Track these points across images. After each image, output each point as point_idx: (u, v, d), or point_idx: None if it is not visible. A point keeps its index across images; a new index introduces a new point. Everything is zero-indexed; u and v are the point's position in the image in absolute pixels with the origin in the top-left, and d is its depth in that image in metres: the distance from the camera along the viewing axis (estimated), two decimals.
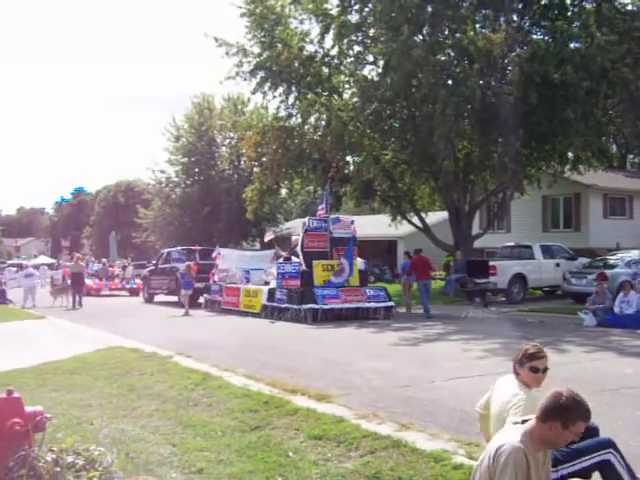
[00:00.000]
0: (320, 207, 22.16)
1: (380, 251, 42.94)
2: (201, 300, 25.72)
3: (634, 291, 17.54)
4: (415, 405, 7.99)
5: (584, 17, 23.29)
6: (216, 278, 24.98)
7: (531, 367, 4.77)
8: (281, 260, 21.94)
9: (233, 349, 13.47)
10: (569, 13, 24.11)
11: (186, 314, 22.39)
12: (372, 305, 19.94)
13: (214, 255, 25.96)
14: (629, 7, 24.00)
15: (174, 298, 27.15)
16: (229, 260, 25.52)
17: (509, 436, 3.97)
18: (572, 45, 23.50)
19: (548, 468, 4.17)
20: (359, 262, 21.61)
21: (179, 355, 12.19)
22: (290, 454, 6.13)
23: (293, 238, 23.78)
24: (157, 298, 29.86)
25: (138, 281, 35.52)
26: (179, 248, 30.92)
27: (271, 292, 20.85)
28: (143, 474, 5.71)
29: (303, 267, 20.41)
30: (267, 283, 22.20)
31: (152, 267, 31.28)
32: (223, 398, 8.45)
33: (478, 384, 9.11)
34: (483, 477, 4.01)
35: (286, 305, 19.87)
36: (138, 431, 7.12)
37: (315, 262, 20.36)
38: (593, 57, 21.40)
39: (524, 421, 4.05)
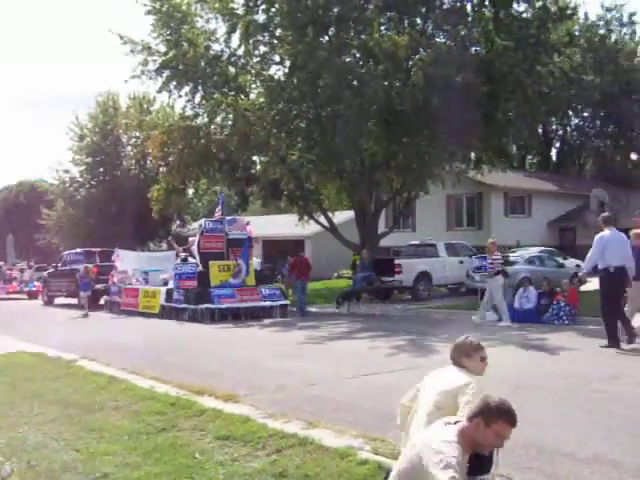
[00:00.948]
0: (217, 209, 22.54)
1: (287, 251, 43.01)
2: (102, 302, 25.54)
3: (532, 287, 18.17)
4: (322, 403, 8.06)
5: (483, 23, 24.02)
6: (115, 279, 24.92)
7: (482, 357, 5.02)
8: (178, 261, 22.16)
9: (139, 351, 13.31)
10: (469, 18, 24.78)
11: (85, 315, 22.50)
12: (268, 304, 20.49)
13: (113, 257, 25.91)
14: (525, 15, 24.85)
15: (74, 300, 26.83)
16: (128, 261, 25.57)
17: (445, 435, 3.95)
18: (473, 49, 24.20)
19: None
20: (255, 262, 22.35)
21: (83, 359, 11.97)
22: (197, 455, 6.10)
23: (190, 239, 23.95)
24: (57, 300, 29.49)
25: (37, 284, 34.96)
26: (78, 250, 30.58)
27: (169, 293, 21.22)
28: None
29: (200, 268, 20.68)
30: (166, 284, 22.35)
31: (52, 269, 30.95)
32: (129, 401, 8.35)
33: (384, 381, 9.31)
34: (409, 472, 3.98)
35: (183, 305, 20.28)
36: (40, 438, 6.94)
37: (211, 263, 20.75)
38: (492, 61, 22.15)
39: (456, 422, 4.08)
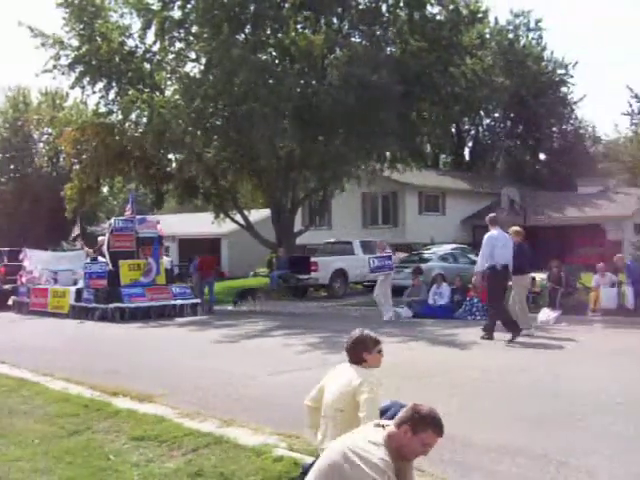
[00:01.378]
0: (127, 208, 22.39)
1: (204, 249, 42.70)
2: (10, 302, 24.83)
3: (446, 283, 18.59)
4: (238, 401, 8.08)
5: (398, 24, 24.41)
6: (24, 280, 24.37)
7: (379, 350, 5.17)
8: (88, 260, 21.97)
9: (51, 353, 13.01)
10: (385, 19, 25.12)
11: None
12: (179, 302, 20.60)
13: (21, 256, 25.36)
14: (438, 17, 25.37)
15: None
16: (37, 261, 24.91)
17: (373, 437, 3.92)
18: (388, 50, 24.57)
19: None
20: (165, 261, 22.33)
21: None
22: (111, 457, 6.03)
23: (99, 238, 23.71)
24: None
25: None
26: None
27: (79, 292, 21.08)
28: None
29: (110, 267, 20.53)
30: (76, 283, 22.14)
31: None
32: (41, 404, 8.18)
33: (300, 378, 9.37)
34: (329, 473, 3.91)
35: (93, 305, 20.17)
36: None
37: (121, 262, 20.66)
38: (406, 62, 22.56)
39: (385, 425, 4.05)
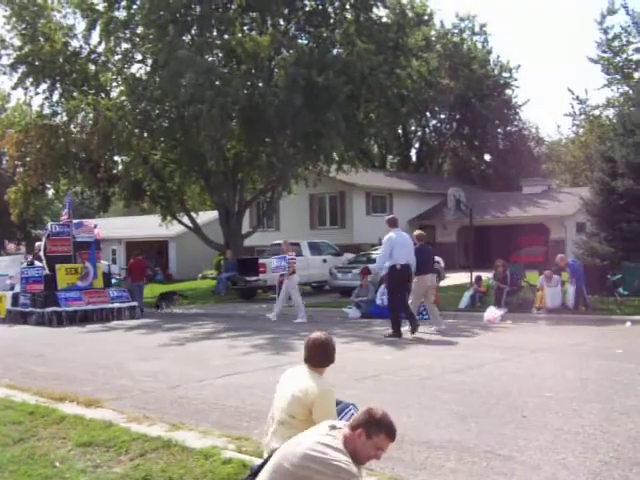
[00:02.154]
0: (63, 212, 22.25)
1: (151, 252, 42.42)
2: None
3: None
4: (186, 404, 8.04)
5: (345, 26, 24.55)
6: None
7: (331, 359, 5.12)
8: (24, 265, 21.78)
9: None
10: (331, 21, 25.25)
11: None
12: (116, 306, 20.62)
13: None
14: (384, 19, 25.57)
15: None
16: None
17: (332, 442, 3.92)
18: (334, 51, 24.69)
19: None
20: (103, 265, 22.21)
21: None
22: (57, 464, 5.96)
23: (36, 244, 23.58)
24: None
25: None
26: None
27: (15, 297, 21.03)
28: None
29: (46, 271, 20.42)
30: (12, 288, 22.06)
31: None
32: None
33: (247, 380, 9.40)
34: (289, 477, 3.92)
35: (30, 309, 20.05)
36: None
37: (58, 266, 20.51)
38: (353, 63, 22.68)
39: (338, 428, 4.06)
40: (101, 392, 8.84)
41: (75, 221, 21.93)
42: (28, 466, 5.96)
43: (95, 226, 22.66)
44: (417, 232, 15.29)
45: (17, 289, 21.42)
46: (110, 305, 20.54)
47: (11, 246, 28.17)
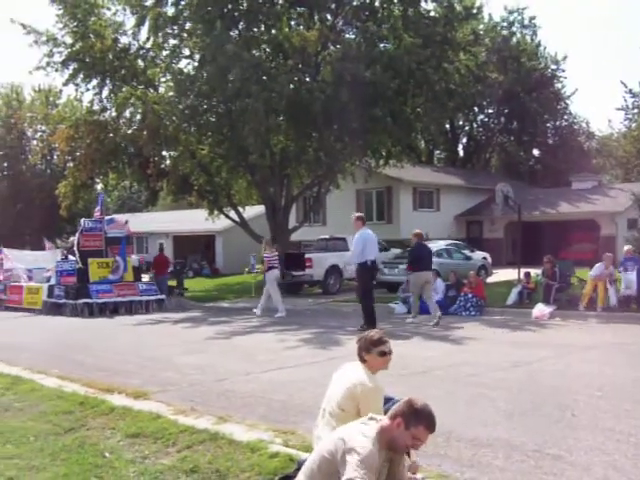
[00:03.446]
0: (96, 209, 23.49)
1: (198, 246, 42.78)
2: None
3: (440, 279, 18.59)
4: (233, 398, 8.08)
5: (392, 20, 24.37)
6: (1, 277, 25.56)
7: (379, 351, 5.07)
8: (59, 259, 23.22)
9: (44, 350, 12.99)
10: (379, 15, 25.08)
11: None
12: (144, 298, 21.65)
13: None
14: (432, 13, 25.34)
15: None
16: (13, 260, 26.22)
17: (364, 429, 3.98)
18: (381, 46, 24.53)
19: (402, 471, 4.26)
20: (133, 259, 23.52)
21: None
22: (106, 454, 6.04)
23: (71, 239, 24.19)
24: None
25: None
26: None
27: (51, 289, 22.11)
28: None
29: (79, 265, 21.52)
30: (48, 280, 23.21)
31: None
32: (36, 401, 8.17)
33: (293, 374, 9.41)
34: (322, 465, 4.01)
35: (63, 301, 21.12)
36: None
37: (90, 260, 21.54)
38: (400, 58, 22.48)
39: (380, 419, 4.08)
40: (148, 384, 8.94)
41: (107, 217, 23.21)
42: (79, 455, 6.06)
43: (126, 222, 23.87)
44: (415, 231, 16.35)
45: (52, 281, 22.48)
46: (139, 297, 21.56)
47: (50, 245, 29.57)
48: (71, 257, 22.41)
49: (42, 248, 30.29)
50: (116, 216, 27.24)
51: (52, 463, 5.91)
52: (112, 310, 20.58)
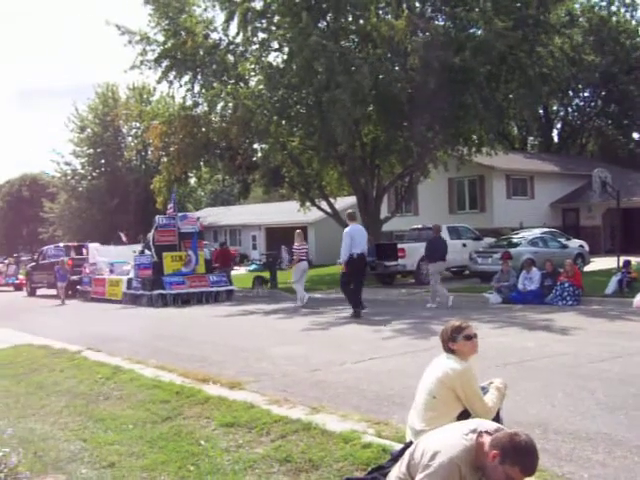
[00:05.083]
0: (169, 206, 24.73)
1: (291, 237, 43.04)
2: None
3: (536, 268, 18.17)
4: (326, 388, 8.09)
5: (482, 4, 23.85)
6: (87, 271, 27.63)
7: (465, 336, 5.04)
8: (137, 253, 24.78)
9: (140, 340, 13.40)
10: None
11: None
12: (214, 289, 23.19)
13: (85, 251, 29.53)
14: None
15: (54, 291, 28.91)
16: (97, 254, 28.39)
17: (452, 444, 3.80)
18: (471, 31, 24.08)
19: None
20: (205, 252, 25.18)
21: (89, 350, 12.02)
22: (202, 442, 6.13)
23: (148, 235, 25.63)
24: (40, 292, 32.27)
25: (21, 277, 38.46)
26: (61, 244, 33.85)
27: (129, 281, 24.05)
28: (52, 472, 5.65)
29: (154, 259, 22.96)
30: (128, 273, 24.92)
31: (34, 263, 33.99)
32: (134, 390, 8.39)
33: (387, 365, 9.35)
34: (411, 467, 3.94)
35: (141, 292, 22.86)
36: (47, 429, 7.01)
37: (165, 254, 23.10)
38: (491, 42, 21.97)
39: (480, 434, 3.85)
40: (242, 374, 9.04)
41: (180, 214, 24.55)
42: (175, 443, 6.17)
43: (198, 218, 25.64)
44: (434, 225, 18.66)
45: (131, 274, 24.29)
46: (209, 289, 23.00)
47: (125, 239, 31.69)
48: (147, 251, 23.83)
49: (128, 243, 31.86)
50: (188, 213, 29.18)
51: (150, 450, 6.03)
52: (184, 301, 22.02)
